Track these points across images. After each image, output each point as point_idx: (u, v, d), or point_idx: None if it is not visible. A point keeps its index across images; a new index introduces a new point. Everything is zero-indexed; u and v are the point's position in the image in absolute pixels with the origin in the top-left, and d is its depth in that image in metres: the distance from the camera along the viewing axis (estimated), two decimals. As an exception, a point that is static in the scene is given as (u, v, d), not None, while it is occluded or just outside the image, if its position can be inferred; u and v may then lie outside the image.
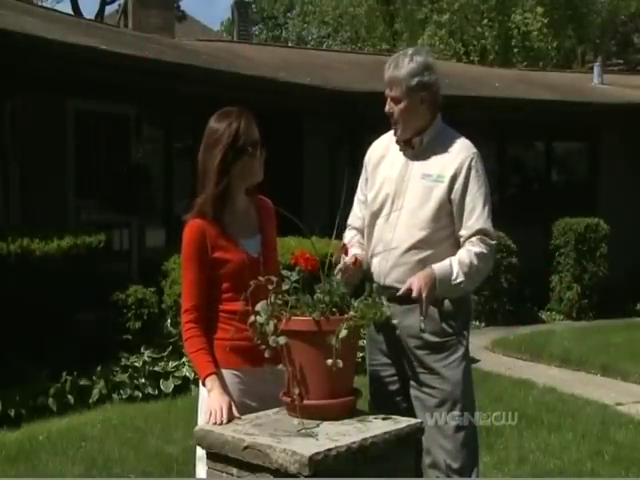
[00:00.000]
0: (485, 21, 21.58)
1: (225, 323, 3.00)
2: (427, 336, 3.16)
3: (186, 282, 3.04)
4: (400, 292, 3.08)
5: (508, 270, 10.94)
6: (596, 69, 15.62)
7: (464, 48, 21.89)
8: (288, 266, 2.87)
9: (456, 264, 3.13)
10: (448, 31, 21.57)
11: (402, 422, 2.71)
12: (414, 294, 3.02)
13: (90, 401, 6.63)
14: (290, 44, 28.43)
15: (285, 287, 2.73)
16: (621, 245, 11.87)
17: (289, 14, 33.14)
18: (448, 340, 3.22)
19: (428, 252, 3.19)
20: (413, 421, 2.75)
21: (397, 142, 3.33)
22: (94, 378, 6.75)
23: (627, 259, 12.12)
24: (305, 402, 2.67)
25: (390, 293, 3.22)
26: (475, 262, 3.15)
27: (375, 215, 3.32)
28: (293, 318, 2.66)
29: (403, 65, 3.22)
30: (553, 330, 10.53)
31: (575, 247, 11.67)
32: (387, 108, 3.26)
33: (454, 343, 3.24)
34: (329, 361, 2.61)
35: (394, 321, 3.16)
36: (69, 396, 6.53)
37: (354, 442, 2.49)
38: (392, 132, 3.38)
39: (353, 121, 11.27)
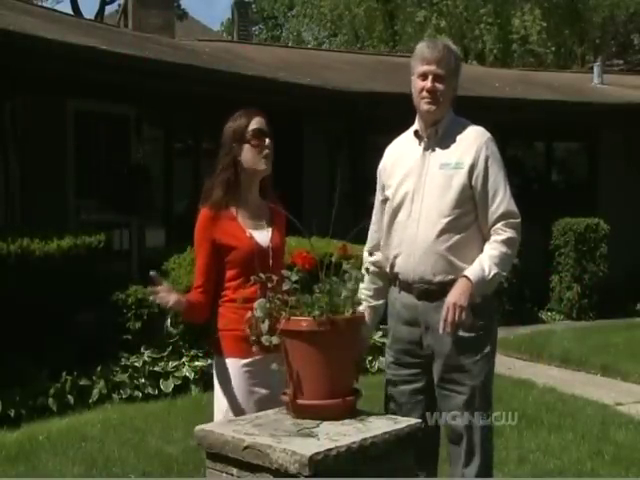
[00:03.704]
0: (483, 25, 21.55)
1: (233, 312, 3.07)
2: (459, 332, 3.16)
3: (198, 262, 3.21)
4: (442, 329, 3.09)
5: (508, 270, 10.94)
6: (596, 69, 15.62)
7: (463, 52, 21.89)
8: (288, 267, 2.88)
9: (486, 259, 3.16)
10: (447, 35, 21.55)
11: (402, 422, 2.71)
12: (452, 317, 3.04)
13: (90, 401, 6.62)
14: (290, 44, 28.41)
15: (285, 287, 2.73)
16: (621, 245, 11.87)
17: (289, 14, 33.11)
18: (478, 335, 3.23)
19: (455, 239, 3.20)
20: (413, 421, 2.75)
21: (418, 132, 3.35)
22: (94, 378, 6.74)
23: (627, 259, 12.11)
24: (305, 402, 2.67)
25: (418, 289, 3.25)
26: (503, 250, 3.19)
27: (395, 212, 3.33)
28: (292, 318, 2.66)
29: (450, 45, 3.32)
30: (553, 330, 10.52)
31: (575, 247, 11.66)
32: (429, 85, 3.26)
33: (483, 339, 3.25)
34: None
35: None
36: (69, 396, 6.53)
37: (354, 442, 2.49)
38: (405, 134, 3.44)
39: (353, 121, 11.28)
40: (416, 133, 3.38)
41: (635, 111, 12.56)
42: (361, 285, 3.40)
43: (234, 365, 3.10)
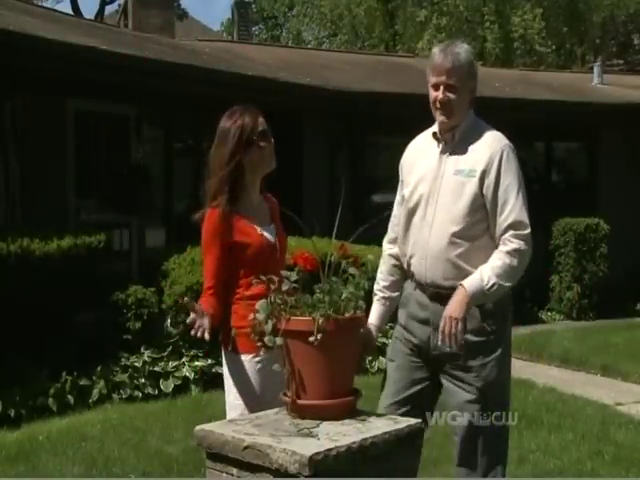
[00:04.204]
0: (487, 24, 21.54)
1: (246, 309, 3.07)
2: (467, 336, 3.17)
3: (208, 264, 3.20)
4: (440, 341, 3.11)
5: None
6: (596, 69, 15.62)
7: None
8: (288, 266, 2.88)
9: (487, 269, 3.14)
10: (448, 35, 21.55)
11: (402, 422, 2.71)
12: (449, 330, 3.07)
13: (90, 401, 6.62)
14: (290, 44, 28.40)
15: (284, 288, 2.73)
16: (621, 245, 11.87)
17: (289, 14, 33.11)
18: (488, 339, 3.24)
19: (466, 246, 3.20)
20: (413, 421, 2.75)
21: (436, 135, 3.35)
22: (94, 378, 6.74)
23: (627, 259, 12.11)
24: (305, 402, 2.67)
25: (431, 291, 3.27)
26: (507, 260, 3.15)
27: (411, 214, 3.35)
28: (293, 318, 2.66)
29: (460, 51, 3.26)
30: (553, 330, 10.52)
31: (575, 247, 11.66)
32: (441, 96, 3.25)
33: (493, 342, 3.25)
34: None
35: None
36: (69, 396, 6.53)
37: (354, 442, 2.49)
38: (425, 133, 3.44)
39: (353, 121, 11.28)
40: (434, 135, 3.38)
41: (635, 111, 12.55)
42: (378, 276, 3.45)
43: (249, 362, 3.14)
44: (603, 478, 4.86)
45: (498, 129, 3.43)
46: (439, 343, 3.12)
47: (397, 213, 3.48)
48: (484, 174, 3.20)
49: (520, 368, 8.24)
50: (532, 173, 13.74)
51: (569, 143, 13.99)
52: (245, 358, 3.16)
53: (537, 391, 7.11)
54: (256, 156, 3.23)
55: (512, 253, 3.16)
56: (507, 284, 3.17)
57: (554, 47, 22.56)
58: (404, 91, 10.60)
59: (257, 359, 3.12)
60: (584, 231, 11.65)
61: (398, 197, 3.51)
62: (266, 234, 3.24)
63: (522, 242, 3.17)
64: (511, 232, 3.18)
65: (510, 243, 3.17)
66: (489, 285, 3.12)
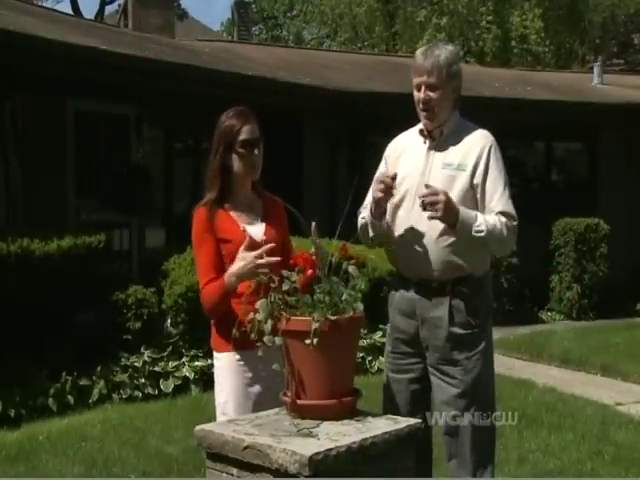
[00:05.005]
0: (484, 23, 21.53)
1: (231, 307, 3.08)
2: (454, 329, 3.24)
3: (200, 262, 3.19)
4: (422, 195, 3.13)
5: (508, 270, 10.93)
6: (596, 69, 15.62)
7: (463, 51, 21.86)
8: (287, 267, 2.88)
9: (481, 216, 3.21)
10: (447, 34, 21.55)
11: (402, 422, 2.71)
12: (429, 203, 3.11)
13: (90, 401, 6.63)
14: (290, 44, 28.40)
15: (285, 288, 2.72)
16: (621, 245, 11.86)
17: (289, 14, 33.11)
18: (472, 333, 3.28)
19: (454, 238, 3.23)
20: (413, 421, 2.75)
21: (423, 132, 3.40)
22: (94, 378, 6.74)
23: (627, 259, 12.11)
24: (305, 402, 2.67)
25: (417, 285, 3.30)
26: (499, 226, 3.22)
27: (396, 207, 3.37)
28: (293, 318, 2.66)
29: (441, 53, 3.32)
30: (553, 330, 10.53)
31: (575, 247, 11.66)
32: (422, 96, 3.32)
33: (477, 336, 3.30)
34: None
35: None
36: (69, 396, 6.53)
37: (354, 442, 2.49)
38: (412, 130, 3.48)
39: (353, 121, 11.28)
40: (421, 132, 3.43)
41: (635, 111, 12.55)
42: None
43: (230, 359, 3.13)
44: (603, 478, 4.86)
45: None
46: (418, 200, 3.17)
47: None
48: (475, 168, 3.27)
49: (520, 368, 8.27)
50: (532, 173, 13.77)
51: (569, 143, 13.99)
52: (224, 356, 3.14)
53: (537, 391, 7.11)
54: (236, 163, 3.19)
55: (507, 225, 3.24)
56: (490, 245, 3.25)
57: (554, 47, 22.55)
58: (404, 91, 10.53)
59: (237, 357, 3.11)
60: (584, 231, 11.66)
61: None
62: (250, 232, 3.18)
63: (508, 229, 3.25)
64: (502, 217, 3.25)
65: (504, 219, 3.24)
66: (478, 229, 3.18)
